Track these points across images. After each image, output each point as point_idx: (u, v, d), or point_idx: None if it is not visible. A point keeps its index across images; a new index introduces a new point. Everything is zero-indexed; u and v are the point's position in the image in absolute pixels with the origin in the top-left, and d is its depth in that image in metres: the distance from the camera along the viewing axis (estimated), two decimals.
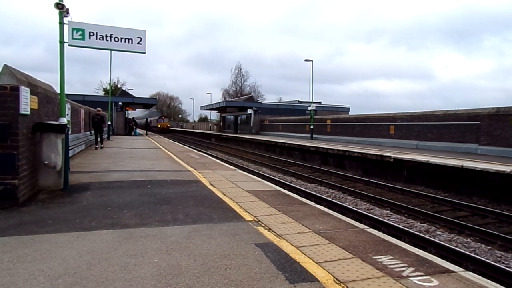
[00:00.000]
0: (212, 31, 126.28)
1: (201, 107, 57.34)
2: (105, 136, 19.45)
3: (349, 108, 45.21)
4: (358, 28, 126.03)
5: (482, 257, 5.36)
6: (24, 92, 5.12)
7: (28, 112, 5.33)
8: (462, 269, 3.09)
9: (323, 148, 17.67)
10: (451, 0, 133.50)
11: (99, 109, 17.22)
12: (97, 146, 16.05)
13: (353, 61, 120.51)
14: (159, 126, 62.61)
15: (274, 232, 4.04)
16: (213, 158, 13.76)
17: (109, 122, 22.44)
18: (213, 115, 74.59)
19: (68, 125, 6.83)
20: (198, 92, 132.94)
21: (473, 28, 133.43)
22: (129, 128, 32.10)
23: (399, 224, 7.08)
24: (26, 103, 5.21)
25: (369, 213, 7.98)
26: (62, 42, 6.58)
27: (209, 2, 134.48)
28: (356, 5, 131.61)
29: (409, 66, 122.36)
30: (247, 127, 43.89)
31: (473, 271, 3.79)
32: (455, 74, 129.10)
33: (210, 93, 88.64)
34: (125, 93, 45.09)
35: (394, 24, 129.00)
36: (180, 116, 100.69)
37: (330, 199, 9.30)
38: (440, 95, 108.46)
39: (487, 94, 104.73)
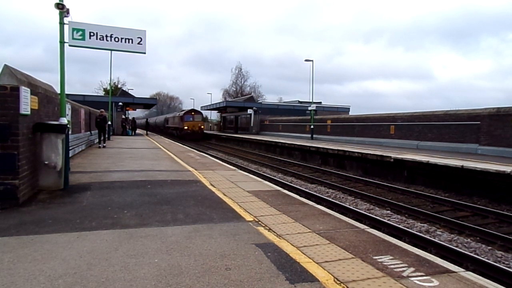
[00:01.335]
0: (211, 32, 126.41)
1: (201, 107, 53.19)
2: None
3: (349, 108, 45.19)
4: (357, 29, 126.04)
5: (483, 257, 5.35)
6: (25, 92, 5.12)
7: (29, 112, 5.33)
8: (463, 269, 3.09)
9: (323, 148, 17.67)
10: (448, 1, 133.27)
11: (102, 110, 17.65)
12: (100, 145, 16.62)
13: (352, 61, 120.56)
14: (185, 127, 38.39)
15: (274, 232, 4.04)
16: (213, 158, 13.77)
17: (109, 122, 22.43)
18: (213, 115, 71.18)
19: (68, 125, 6.84)
20: (198, 92, 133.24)
21: (470, 28, 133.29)
22: (122, 127, 31.97)
23: (399, 224, 7.08)
24: (27, 103, 5.21)
25: (369, 213, 7.98)
26: (62, 42, 6.59)
27: (208, 3, 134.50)
28: (354, 6, 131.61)
29: (408, 66, 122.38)
30: (247, 127, 43.89)
31: (473, 271, 3.79)
32: (454, 74, 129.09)
33: (211, 93, 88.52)
34: (125, 93, 45.01)
35: (392, 24, 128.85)
36: None
37: (330, 199, 9.30)
38: (439, 95, 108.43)
39: (486, 94, 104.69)
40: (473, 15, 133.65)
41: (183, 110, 46.11)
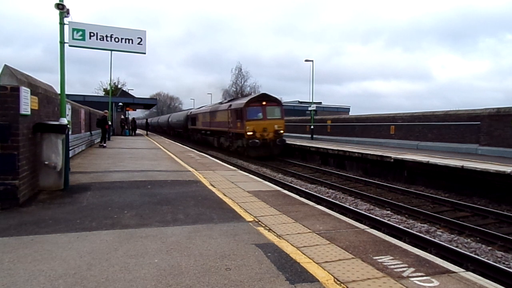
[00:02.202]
0: (209, 32, 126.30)
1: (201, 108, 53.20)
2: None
3: (349, 109, 45.33)
4: (355, 29, 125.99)
5: (483, 258, 5.36)
6: (25, 93, 5.12)
7: (29, 113, 5.33)
8: (463, 270, 3.09)
9: (323, 148, 17.66)
10: (446, 1, 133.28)
11: (106, 111, 18.72)
12: (101, 144, 17.05)
13: (351, 62, 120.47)
14: (249, 133, 18.81)
15: (275, 232, 4.04)
16: (213, 159, 13.76)
17: (109, 122, 22.42)
18: None
19: (68, 126, 6.83)
20: (198, 93, 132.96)
21: (468, 29, 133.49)
22: (121, 127, 31.98)
23: (399, 225, 7.08)
24: (27, 103, 5.21)
25: (369, 213, 7.98)
26: (62, 42, 6.59)
27: (206, 3, 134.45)
28: (351, 7, 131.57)
29: (406, 66, 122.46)
30: None
31: (473, 271, 3.79)
32: (453, 75, 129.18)
33: (211, 94, 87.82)
34: (125, 94, 45.07)
35: (390, 25, 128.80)
36: None
37: (331, 200, 9.30)
38: (439, 95, 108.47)
39: (485, 94, 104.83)
40: (470, 16, 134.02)
41: (235, 99, 25.38)
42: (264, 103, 19.71)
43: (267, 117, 19.49)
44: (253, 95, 21.40)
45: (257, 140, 18.61)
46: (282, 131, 19.70)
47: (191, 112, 34.05)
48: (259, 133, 18.91)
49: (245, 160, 19.15)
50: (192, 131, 32.39)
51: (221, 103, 27.59)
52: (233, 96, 55.34)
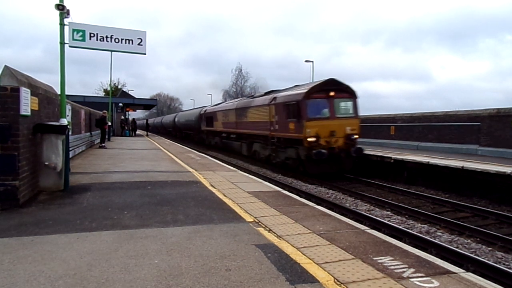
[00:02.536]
0: (209, 32, 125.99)
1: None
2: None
3: None
4: (354, 30, 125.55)
5: (483, 258, 5.35)
6: (25, 93, 5.13)
7: (29, 113, 5.33)
8: (463, 270, 3.09)
9: None
10: (446, 2, 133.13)
11: (105, 111, 18.98)
12: (101, 144, 17.17)
13: (350, 62, 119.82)
14: (310, 138, 12.08)
15: (275, 233, 4.04)
16: (213, 159, 13.76)
17: (109, 123, 22.38)
18: None
19: (68, 126, 6.84)
20: (198, 93, 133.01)
21: (468, 29, 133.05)
22: (121, 128, 31.96)
23: (399, 225, 7.07)
24: (27, 104, 5.22)
25: (369, 214, 7.97)
26: (62, 43, 6.60)
27: (206, 3, 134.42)
28: (352, 6, 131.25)
29: (406, 67, 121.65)
30: None
31: (473, 272, 3.79)
32: (453, 75, 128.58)
33: (211, 94, 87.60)
34: (125, 94, 45.00)
35: (390, 25, 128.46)
36: None
37: (331, 200, 9.29)
38: (439, 96, 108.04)
39: (485, 95, 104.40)
40: (470, 16, 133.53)
41: (280, 90, 16.19)
42: (332, 93, 12.81)
43: (335, 114, 12.88)
44: (315, 82, 14.03)
45: (323, 150, 12.02)
46: (356, 136, 12.92)
47: (206, 110, 26.65)
48: (325, 138, 12.44)
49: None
50: (208, 133, 25.71)
51: (253, 96, 19.77)
52: (234, 97, 53.74)
